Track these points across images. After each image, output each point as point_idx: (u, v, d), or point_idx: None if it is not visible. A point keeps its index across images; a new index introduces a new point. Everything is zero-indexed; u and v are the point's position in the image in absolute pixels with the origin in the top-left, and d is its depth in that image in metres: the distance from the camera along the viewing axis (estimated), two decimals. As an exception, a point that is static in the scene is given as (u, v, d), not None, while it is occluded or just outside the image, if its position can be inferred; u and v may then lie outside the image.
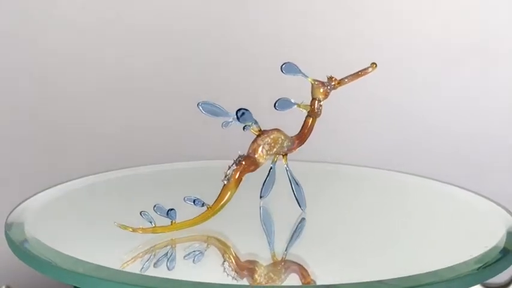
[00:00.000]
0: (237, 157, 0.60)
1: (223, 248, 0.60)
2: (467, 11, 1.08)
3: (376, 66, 0.63)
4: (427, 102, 1.09)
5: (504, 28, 1.08)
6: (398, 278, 0.50)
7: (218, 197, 0.59)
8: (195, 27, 1.07)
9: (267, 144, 0.61)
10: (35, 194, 0.67)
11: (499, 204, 0.68)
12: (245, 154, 0.61)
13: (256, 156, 0.61)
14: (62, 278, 0.52)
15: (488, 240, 0.58)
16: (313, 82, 0.63)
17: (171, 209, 0.57)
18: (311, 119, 0.64)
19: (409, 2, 1.09)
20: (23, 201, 0.65)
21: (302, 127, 0.64)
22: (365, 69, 0.64)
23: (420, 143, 1.09)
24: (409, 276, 0.50)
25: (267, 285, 0.52)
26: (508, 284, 1.02)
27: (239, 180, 0.59)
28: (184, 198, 0.58)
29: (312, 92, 0.64)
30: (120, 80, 1.07)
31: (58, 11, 1.06)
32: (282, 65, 0.62)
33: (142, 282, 0.49)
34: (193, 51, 1.07)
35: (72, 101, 1.06)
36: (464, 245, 0.60)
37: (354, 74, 0.64)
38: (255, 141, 0.61)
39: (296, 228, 0.64)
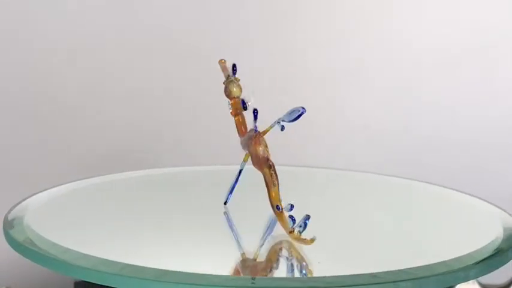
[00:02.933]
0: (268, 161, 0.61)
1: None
2: (466, 12, 1.08)
3: (224, 61, 0.66)
4: (426, 103, 1.10)
5: (504, 31, 1.08)
6: (390, 271, 0.50)
7: (275, 201, 0.60)
8: (196, 27, 1.07)
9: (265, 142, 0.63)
10: (33, 194, 0.68)
11: (494, 205, 0.68)
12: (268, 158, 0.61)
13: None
14: (63, 271, 0.52)
15: (484, 238, 0.58)
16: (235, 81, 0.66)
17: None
18: (240, 116, 0.65)
19: (405, 3, 1.09)
20: (21, 201, 0.65)
21: (238, 126, 0.65)
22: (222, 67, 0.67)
23: (419, 146, 1.09)
24: (401, 270, 0.50)
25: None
26: (508, 285, 1.02)
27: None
28: (288, 207, 0.59)
29: (232, 92, 0.65)
30: (121, 80, 1.07)
31: (58, 9, 1.06)
32: (234, 67, 0.65)
33: (145, 274, 0.49)
34: (194, 51, 1.07)
35: (74, 100, 1.07)
36: (459, 242, 0.60)
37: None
38: (260, 143, 0.61)
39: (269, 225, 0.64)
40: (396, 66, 1.09)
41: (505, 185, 1.07)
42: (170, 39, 1.07)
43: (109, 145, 1.08)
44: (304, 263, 0.57)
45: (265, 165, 0.60)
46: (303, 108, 0.59)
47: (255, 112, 0.61)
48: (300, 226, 0.57)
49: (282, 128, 0.60)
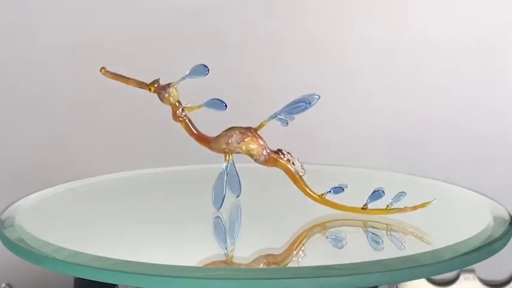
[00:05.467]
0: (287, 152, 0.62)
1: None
2: (470, 8, 1.08)
3: (104, 70, 0.62)
4: (427, 100, 1.09)
5: (507, 25, 1.08)
6: (380, 261, 0.50)
7: (308, 189, 0.61)
8: (196, 26, 1.08)
9: None
10: (27, 195, 0.68)
11: (483, 194, 0.68)
12: (280, 149, 0.62)
13: None
14: (55, 268, 0.53)
15: (475, 228, 0.58)
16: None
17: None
18: (187, 119, 0.63)
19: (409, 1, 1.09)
20: (15, 202, 0.66)
21: (189, 130, 0.63)
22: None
23: (420, 143, 1.09)
24: (380, 260, 0.50)
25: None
26: (508, 281, 1.02)
27: None
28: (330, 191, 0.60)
29: (175, 96, 0.63)
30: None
31: (58, 8, 1.07)
32: (206, 67, 0.61)
33: (138, 269, 0.49)
34: (194, 51, 1.07)
35: (73, 100, 1.07)
36: (450, 231, 0.60)
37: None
38: (260, 137, 0.61)
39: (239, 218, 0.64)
40: (397, 64, 1.08)
41: (506, 182, 1.07)
42: (170, 37, 1.08)
43: (106, 145, 1.08)
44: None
45: (280, 157, 0.61)
46: (317, 95, 0.59)
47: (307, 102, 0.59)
48: (370, 199, 0.58)
49: (291, 118, 0.60)
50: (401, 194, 0.59)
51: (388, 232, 0.60)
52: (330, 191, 0.60)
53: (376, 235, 0.60)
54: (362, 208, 0.59)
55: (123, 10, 1.07)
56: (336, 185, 0.60)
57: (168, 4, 1.08)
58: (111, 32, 1.08)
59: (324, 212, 0.61)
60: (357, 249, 0.57)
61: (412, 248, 0.56)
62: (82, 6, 1.07)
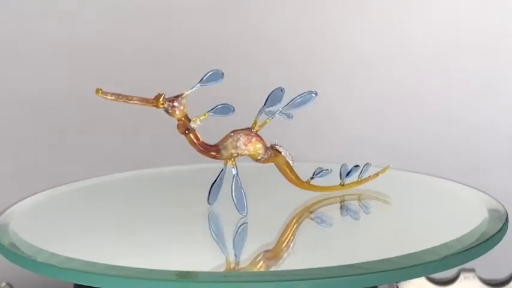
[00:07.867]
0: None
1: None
2: (473, 7, 1.08)
3: (101, 91, 0.56)
4: (429, 98, 1.09)
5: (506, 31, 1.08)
6: (376, 261, 0.49)
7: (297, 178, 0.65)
8: (195, 27, 1.08)
9: None
10: (19, 200, 0.68)
11: (477, 189, 0.68)
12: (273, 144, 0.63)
13: None
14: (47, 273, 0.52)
15: (470, 224, 0.58)
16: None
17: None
18: (191, 130, 0.60)
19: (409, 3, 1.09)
20: (9, 207, 0.65)
21: (194, 143, 0.60)
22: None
23: (420, 140, 1.09)
24: (385, 259, 0.49)
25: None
26: (508, 280, 1.02)
27: None
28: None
29: (186, 107, 0.59)
30: (120, 80, 1.07)
31: (59, 8, 1.07)
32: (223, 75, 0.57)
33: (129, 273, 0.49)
34: (193, 50, 1.07)
35: (74, 101, 1.07)
36: (446, 228, 0.60)
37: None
38: (261, 137, 0.61)
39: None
40: (400, 62, 1.08)
41: (506, 181, 1.07)
42: (171, 39, 1.08)
43: (104, 146, 1.08)
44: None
45: (279, 152, 0.63)
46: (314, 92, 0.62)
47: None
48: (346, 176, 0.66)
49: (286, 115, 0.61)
50: (367, 166, 0.67)
51: (359, 201, 0.69)
52: (314, 176, 0.65)
53: (352, 207, 0.69)
54: (340, 185, 0.67)
55: (121, 9, 1.07)
56: (318, 170, 0.65)
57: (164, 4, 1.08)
58: (112, 31, 1.07)
59: (306, 197, 0.67)
60: (341, 227, 0.63)
61: (376, 210, 0.67)
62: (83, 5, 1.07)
